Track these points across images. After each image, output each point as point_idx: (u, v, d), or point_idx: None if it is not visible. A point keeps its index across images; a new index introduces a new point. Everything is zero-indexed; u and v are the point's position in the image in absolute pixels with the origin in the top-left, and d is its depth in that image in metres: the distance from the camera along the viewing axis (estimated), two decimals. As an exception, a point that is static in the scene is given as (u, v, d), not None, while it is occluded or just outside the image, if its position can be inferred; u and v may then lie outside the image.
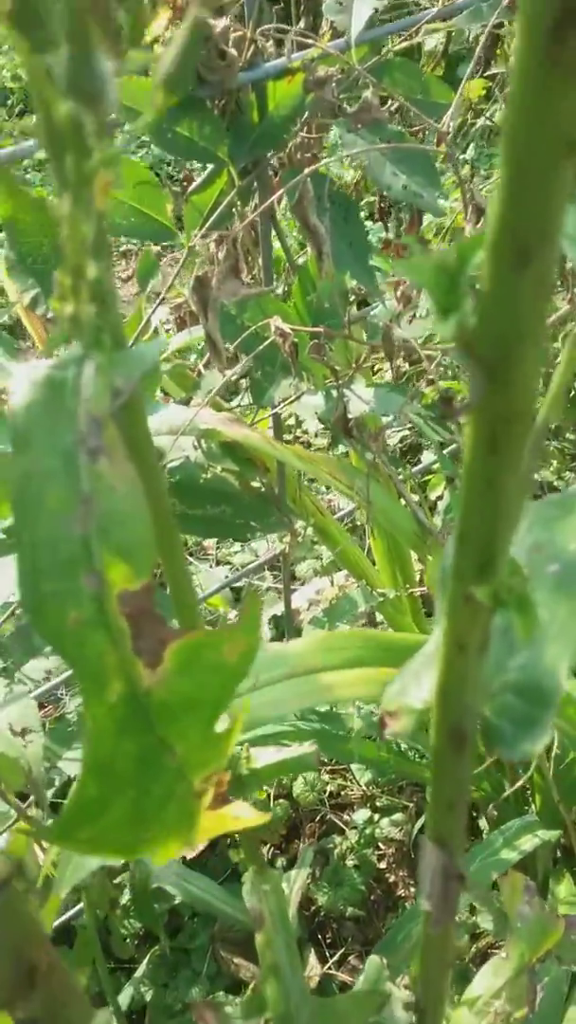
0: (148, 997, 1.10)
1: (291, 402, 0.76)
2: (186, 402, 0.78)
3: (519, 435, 0.21)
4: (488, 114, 0.96)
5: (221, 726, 0.28)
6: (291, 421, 1.35)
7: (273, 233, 0.77)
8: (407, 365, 0.97)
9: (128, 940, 1.14)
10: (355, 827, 1.22)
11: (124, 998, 1.08)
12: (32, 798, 0.68)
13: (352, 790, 1.28)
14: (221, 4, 0.62)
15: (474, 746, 0.34)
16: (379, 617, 1.09)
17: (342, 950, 1.15)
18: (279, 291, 0.87)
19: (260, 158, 0.68)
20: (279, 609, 1.27)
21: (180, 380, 0.89)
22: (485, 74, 1.20)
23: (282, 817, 1.22)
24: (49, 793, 0.74)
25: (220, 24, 0.62)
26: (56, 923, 0.96)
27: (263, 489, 0.83)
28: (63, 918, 0.96)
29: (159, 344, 0.33)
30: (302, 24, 0.64)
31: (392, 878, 1.21)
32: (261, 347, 0.69)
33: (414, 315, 0.78)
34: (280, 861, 1.22)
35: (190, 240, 0.68)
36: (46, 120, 0.20)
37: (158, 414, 0.74)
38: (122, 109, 0.65)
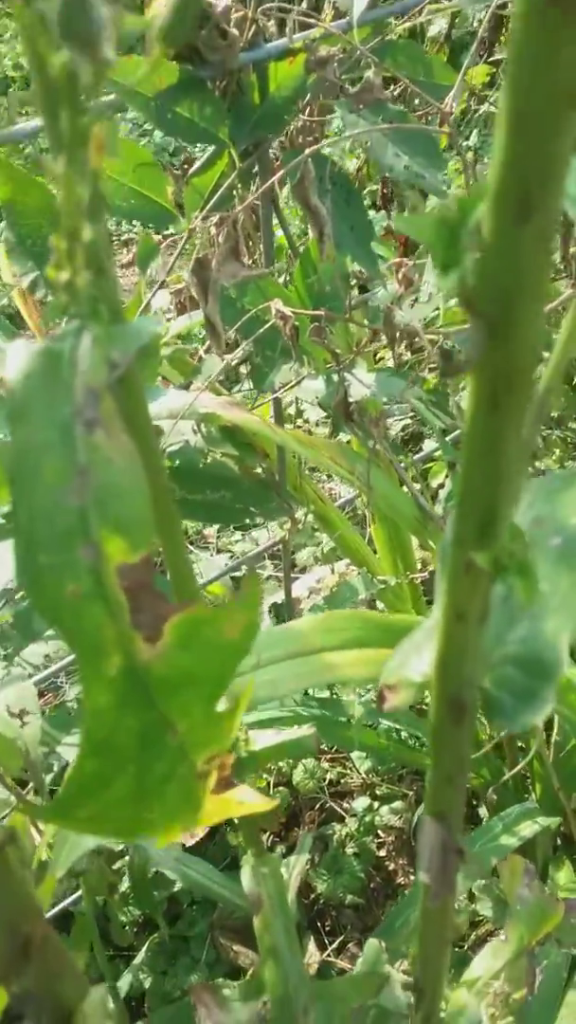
0: (147, 984, 1.10)
1: (292, 387, 0.76)
2: (186, 387, 0.78)
3: (521, 393, 0.20)
4: (492, 100, 0.96)
5: (224, 706, 0.28)
6: (291, 410, 1.35)
7: (275, 221, 0.77)
8: (409, 353, 0.96)
9: (127, 927, 1.14)
10: (355, 815, 1.22)
11: (123, 985, 1.08)
12: (31, 784, 0.68)
13: (352, 778, 1.28)
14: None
15: (473, 733, 0.34)
16: (380, 605, 1.09)
17: (341, 937, 1.15)
18: (281, 279, 0.87)
19: (261, 140, 0.68)
20: (279, 597, 1.27)
21: (179, 366, 0.89)
22: (489, 60, 1.20)
23: (282, 805, 1.22)
24: (48, 779, 0.74)
25: (222, 3, 0.61)
26: (55, 910, 0.96)
27: (263, 475, 0.83)
28: (62, 905, 0.96)
29: (157, 320, 0.32)
30: (304, 4, 0.64)
31: (392, 866, 1.21)
32: (261, 330, 0.69)
33: (415, 299, 0.78)
34: (279, 848, 1.22)
35: (191, 223, 0.68)
36: (40, 76, 0.20)
37: (158, 399, 0.74)
38: (121, 92, 0.65)
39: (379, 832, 1.23)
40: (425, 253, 0.72)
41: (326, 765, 1.28)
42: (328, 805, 1.25)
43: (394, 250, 1.28)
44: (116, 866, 1.08)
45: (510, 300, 0.19)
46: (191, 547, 1.52)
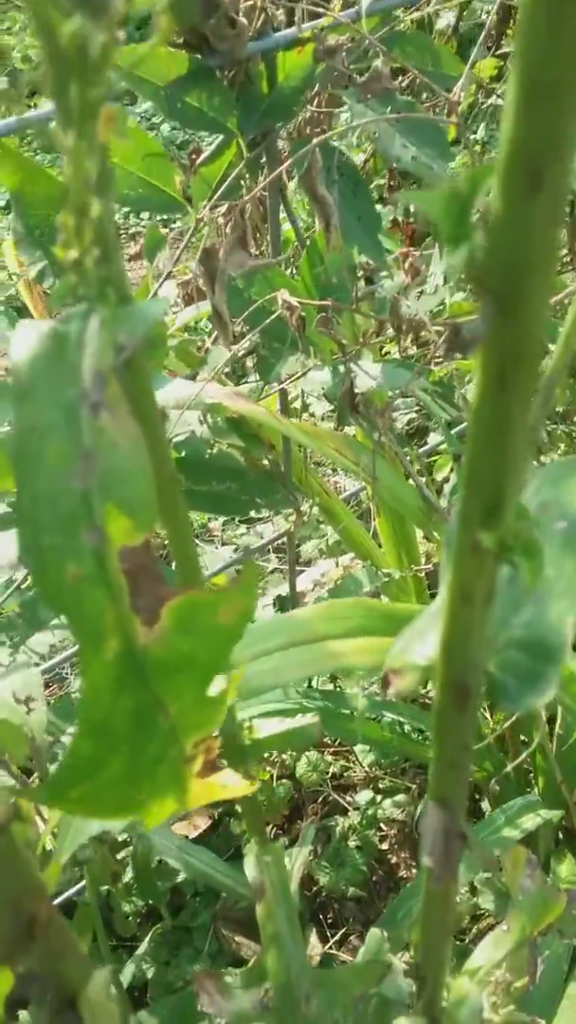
0: (150, 974, 1.10)
1: (298, 378, 0.76)
2: (192, 378, 0.78)
3: (528, 372, 0.20)
4: (499, 92, 0.96)
5: (215, 690, 0.28)
6: (297, 404, 1.35)
7: (283, 215, 0.77)
8: (415, 348, 0.96)
9: (130, 918, 1.14)
10: (357, 808, 1.22)
11: (126, 975, 1.08)
12: (36, 775, 0.68)
13: (355, 771, 1.28)
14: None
15: (476, 721, 0.34)
16: (384, 598, 1.09)
17: (343, 930, 1.15)
18: (288, 272, 0.87)
19: (269, 130, 0.68)
20: (284, 590, 1.27)
21: (185, 357, 0.89)
22: (496, 53, 1.19)
23: (285, 797, 1.22)
24: (52, 768, 0.74)
25: (230, -8, 0.61)
26: (58, 899, 0.96)
27: (269, 466, 0.83)
28: (66, 895, 0.96)
29: (163, 303, 0.32)
30: (313, -7, 0.63)
31: (394, 859, 1.22)
32: (268, 321, 0.69)
33: (421, 292, 0.78)
34: (282, 840, 1.23)
35: (198, 212, 0.68)
36: (49, 47, 0.20)
37: (164, 388, 0.74)
38: (131, 80, 0.65)
39: (382, 825, 1.23)
40: (432, 245, 0.72)
41: (329, 758, 1.28)
42: (331, 798, 1.25)
43: (400, 242, 1.27)
44: (120, 856, 1.08)
45: (519, 275, 0.19)
46: (196, 540, 1.52)
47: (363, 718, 0.95)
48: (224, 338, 0.69)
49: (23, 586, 0.89)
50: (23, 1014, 0.68)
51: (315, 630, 0.51)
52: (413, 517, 0.85)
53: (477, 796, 1.15)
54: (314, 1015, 0.56)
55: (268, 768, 1.24)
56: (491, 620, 0.30)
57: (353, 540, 1.01)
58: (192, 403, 0.70)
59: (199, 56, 0.63)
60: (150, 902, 1.14)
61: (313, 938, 1.15)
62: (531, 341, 0.20)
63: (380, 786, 1.25)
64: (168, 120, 2.92)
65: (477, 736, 0.96)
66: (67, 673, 1.30)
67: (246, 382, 1.37)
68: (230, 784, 0.30)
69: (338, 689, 1.07)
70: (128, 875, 1.10)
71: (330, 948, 1.14)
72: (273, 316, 0.68)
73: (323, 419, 1.59)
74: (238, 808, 1.21)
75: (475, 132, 1.27)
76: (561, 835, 1.06)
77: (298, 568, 1.23)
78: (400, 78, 0.81)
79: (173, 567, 0.43)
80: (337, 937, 1.14)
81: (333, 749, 1.30)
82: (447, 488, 1.36)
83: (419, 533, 1.10)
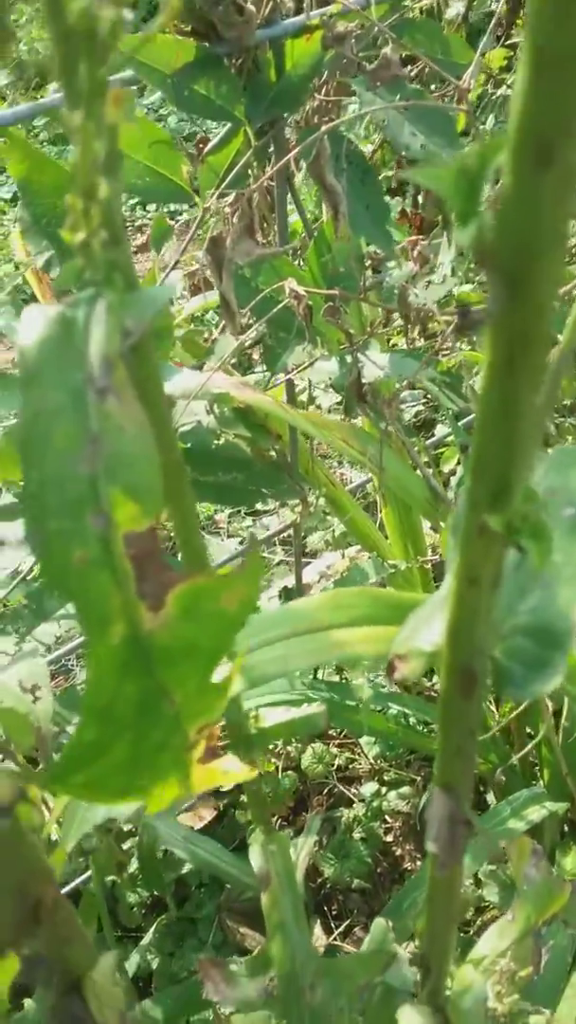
0: (154, 965, 1.11)
1: (305, 368, 0.76)
2: (198, 369, 0.78)
3: (537, 352, 0.20)
4: (508, 83, 0.95)
5: (218, 677, 0.28)
6: (303, 397, 1.35)
7: (291, 206, 0.76)
8: (422, 340, 0.96)
9: (135, 909, 1.15)
10: (362, 800, 1.22)
11: (131, 966, 1.09)
12: (41, 766, 0.68)
13: (360, 763, 1.28)
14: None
15: (481, 711, 0.34)
16: (390, 590, 1.09)
17: (347, 921, 1.15)
18: (296, 263, 0.86)
19: (277, 118, 0.68)
20: (290, 582, 1.27)
21: (192, 348, 0.88)
22: (506, 43, 1.19)
23: (290, 789, 1.22)
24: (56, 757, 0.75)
25: (238, -21, 0.61)
26: (64, 890, 0.96)
27: (276, 456, 0.83)
28: (71, 885, 0.97)
29: (170, 289, 0.32)
30: (321, -20, 0.63)
31: (399, 851, 1.22)
32: (275, 310, 0.69)
33: (429, 282, 0.77)
34: (287, 832, 1.23)
35: (205, 202, 0.68)
36: (56, 24, 0.19)
37: (171, 378, 0.74)
38: (139, 69, 0.65)
39: (386, 817, 1.23)
40: (440, 234, 0.72)
41: (335, 750, 1.28)
42: (336, 790, 1.25)
43: (408, 233, 1.27)
44: (125, 846, 1.09)
45: (529, 253, 0.18)
46: (201, 532, 1.52)
47: (368, 709, 0.95)
48: (231, 327, 0.69)
49: (28, 577, 0.89)
50: (27, 1002, 0.68)
51: (321, 619, 0.51)
52: (420, 507, 0.85)
53: (482, 788, 1.15)
54: (319, 1003, 0.56)
55: (273, 760, 1.24)
56: (497, 607, 0.30)
57: (359, 531, 1.01)
58: (199, 393, 0.70)
59: (207, 44, 0.63)
60: (155, 893, 1.15)
61: (317, 929, 1.15)
62: (541, 321, 0.20)
63: (385, 778, 1.25)
64: (176, 110, 2.91)
65: (483, 728, 0.96)
66: (72, 664, 1.30)
67: (252, 373, 1.37)
68: (231, 770, 0.30)
69: (344, 681, 1.07)
70: (133, 865, 1.10)
71: (334, 939, 1.14)
72: (280, 305, 0.67)
73: (329, 411, 1.59)
74: (243, 799, 1.22)
75: (484, 123, 1.27)
76: (566, 827, 1.06)
77: (304, 560, 1.23)
78: (409, 68, 0.81)
79: (178, 559, 0.43)
80: (341, 928, 1.15)
81: (338, 741, 1.31)
82: (453, 481, 1.36)
83: (425, 525, 1.10)
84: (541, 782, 1.06)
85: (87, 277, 0.29)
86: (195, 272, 0.92)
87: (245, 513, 1.55)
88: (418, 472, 0.84)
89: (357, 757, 1.29)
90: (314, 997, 0.56)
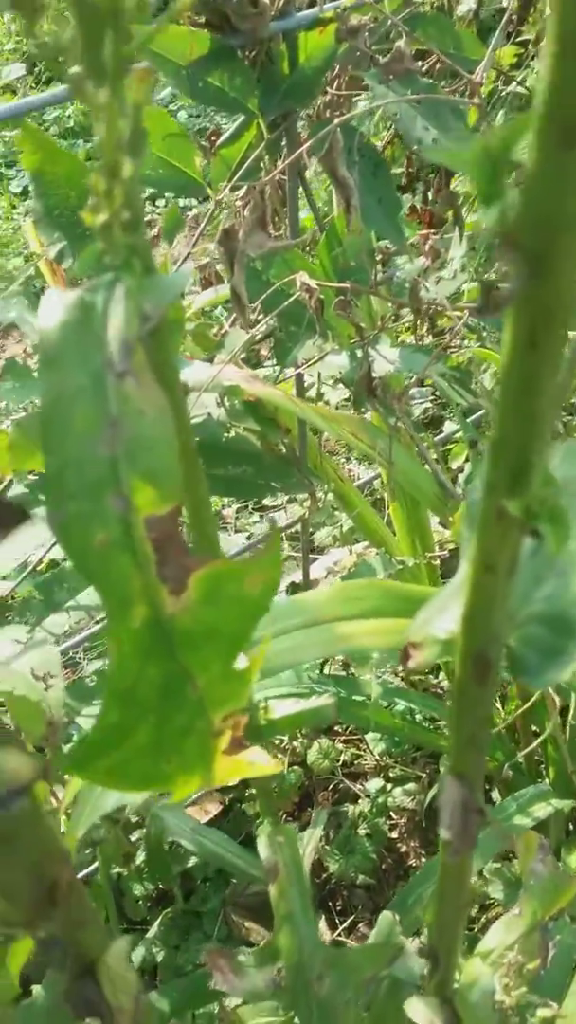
0: (159, 958, 1.11)
1: (315, 362, 0.76)
2: (209, 362, 0.78)
3: (560, 331, 0.20)
4: (519, 78, 0.95)
5: (241, 664, 0.28)
6: (311, 393, 1.35)
7: (302, 201, 0.77)
8: (430, 337, 0.96)
9: (140, 902, 1.15)
10: (368, 796, 1.23)
11: (136, 958, 1.09)
12: (49, 757, 0.68)
13: (366, 759, 1.28)
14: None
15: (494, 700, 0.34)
16: (397, 586, 1.09)
17: (351, 917, 1.16)
18: (308, 258, 0.86)
19: (290, 111, 0.68)
20: (298, 577, 1.27)
21: (202, 341, 0.88)
22: (516, 40, 1.19)
23: (296, 784, 1.22)
24: (66, 749, 0.75)
25: (252, -29, 0.61)
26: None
27: (284, 450, 0.83)
28: (78, 876, 0.97)
29: (186, 276, 0.32)
30: (335, -27, 0.63)
31: (404, 848, 1.22)
32: (286, 303, 0.69)
33: (439, 279, 0.77)
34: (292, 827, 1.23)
35: (218, 194, 0.68)
36: (82, 5, 0.20)
37: (182, 371, 0.74)
38: (154, 60, 0.65)
39: (392, 814, 1.23)
40: (451, 229, 0.72)
41: (340, 746, 1.28)
42: (342, 786, 1.25)
43: (417, 228, 1.27)
44: (133, 838, 1.09)
45: (552, 231, 0.19)
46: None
47: (376, 704, 0.95)
48: (242, 320, 0.69)
49: (37, 568, 0.89)
50: (35, 988, 0.68)
51: (331, 611, 0.51)
52: (428, 502, 0.85)
53: (488, 785, 1.15)
54: (326, 994, 0.56)
55: (280, 755, 1.25)
56: (512, 595, 0.30)
57: (367, 527, 1.01)
58: (210, 385, 0.70)
59: (221, 36, 0.63)
60: (160, 887, 1.15)
61: (321, 925, 1.15)
62: (563, 300, 0.20)
63: (391, 775, 1.25)
64: (185, 106, 2.91)
65: (489, 725, 0.96)
66: (80, 658, 1.30)
67: (261, 368, 1.37)
68: (258, 762, 0.30)
69: (351, 675, 1.07)
70: (139, 858, 1.11)
71: (338, 935, 1.14)
72: (291, 299, 0.68)
73: (337, 408, 1.59)
74: (248, 794, 1.22)
75: (494, 121, 1.26)
76: (571, 825, 1.06)
77: (311, 556, 1.23)
78: (420, 63, 0.81)
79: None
80: (346, 924, 1.15)
81: (344, 737, 1.31)
82: (461, 478, 1.36)
83: (433, 521, 1.10)
84: (547, 780, 1.05)
85: (106, 262, 0.29)
86: (205, 265, 0.92)
87: (252, 508, 1.56)
88: (427, 467, 0.84)
89: (363, 753, 1.29)
90: (322, 988, 0.56)
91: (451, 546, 1.13)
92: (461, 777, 0.34)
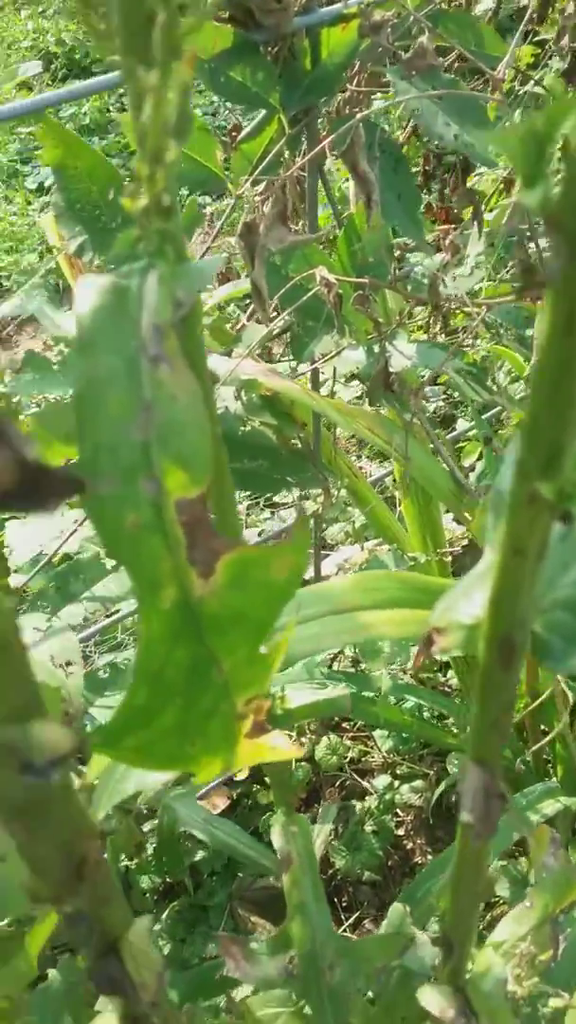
0: (166, 951, 1.12)
1: (332, 357, 0.76)
2: (227, 355, 0.78)
3: (598, 315, 0.21)
4: (537, 77, 0.95)
5: (265, 649, 0.28)
6: (324, 390, 1.36)
7: (321, 195, 0.77)
8: (443, 336, 0.96)
9: (147, 895, 1.16)
10: (375, 793, 1.23)
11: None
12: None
13: (373, 756, 1.29)
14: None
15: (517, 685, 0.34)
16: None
17: (357, 913, 1.16)
18: (327, 254, 0.87)
19: (311, 106, 0.68)
20: (309, 573, 1.28)
21: (219, 335, 0.89)
22: (534, 40, 1.19)
23: (303, 779, 1.23)
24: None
25: (277, -33, 0.61)
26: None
27: (300, 445, 0.83)
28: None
29: (216, 262, 0.33)
30: (359, -30, 0.63)
31: (410, 845, 1.22)
32: (304, 298, 0.69)
33: (455, 276, 0.78)
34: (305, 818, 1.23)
35: (238, 188, 0.68)
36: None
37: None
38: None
39: (398, 811, 1.23)
40: (469, 225, 0.72)
41: (348, 742, 1.28)
42: (349, 782, 1.26)
43: (433, 226, 1.27)
44: (144, 829, 1.09)
45: (596, 214, 0.19)
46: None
47: (386, 699, 0.95)
48: (262, 313, 0.69)
49: (53, 560, 0.90)
50: (51, 972, 0.69)
51: (350, 601, 0.52)
52: (444, 498, 0.85)
53: (495, 783, 1.15)
54: (338, 983, 0.56)
55: (302, 739, 1.25)
56: (539, 581, 0.30)
57: (380, 523, 1.02)
58: (228, 379, 0.70)
59: (244, 31, 0.64)
60: (167, 880, 1.16)
61: (328, 920, 1.16)
62: (603, 283, 0.20)
63: (398, 772, 1.26)
64: (203, 101, 2.92)
65: (512, 710, 0.96)
66: (91, 651, 1.31)
67: (277, 362, 1.37)
68: (279, 746, 0.30)
69: (361, 671, 1.08)
70: (148, 849, 1.11)
71: (344, 931, 1.15)
72: (310, 293, 0.68)
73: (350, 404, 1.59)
74: (255, 789, 1.22)
75: (512, 119, 1.26)
76: (580, 824, 1.06)
77: (322, 553, 1.23)
78: (440, 60, 0.81)
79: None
80: (351, 920, 1.15)
81: (352, 734, 1.31)
82: (472, 476, 1.36)
83: (445, 519, 1.10)
84: (555, 777, 1.06)
85: (139, 249, 0.29)
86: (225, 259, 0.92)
87: (264, 505, 1.56)
88: (442, 463, 0.84)
89: (371, 750, 1.29)
90: (333, 977, 0.57)
91: (462, 543, 1.13)
92: (482, 763, 0.34)
